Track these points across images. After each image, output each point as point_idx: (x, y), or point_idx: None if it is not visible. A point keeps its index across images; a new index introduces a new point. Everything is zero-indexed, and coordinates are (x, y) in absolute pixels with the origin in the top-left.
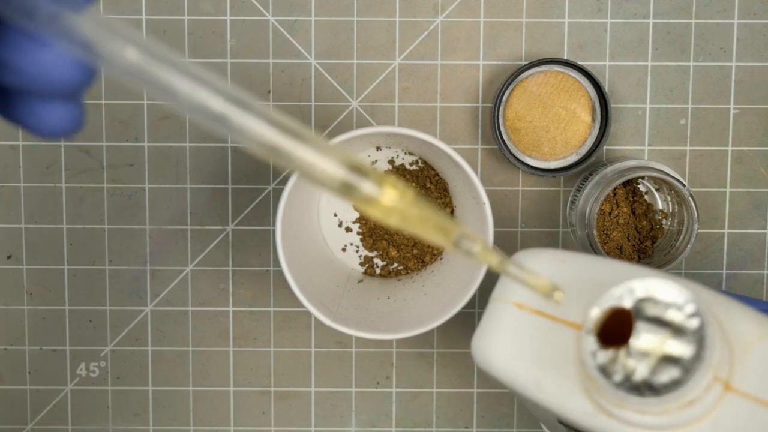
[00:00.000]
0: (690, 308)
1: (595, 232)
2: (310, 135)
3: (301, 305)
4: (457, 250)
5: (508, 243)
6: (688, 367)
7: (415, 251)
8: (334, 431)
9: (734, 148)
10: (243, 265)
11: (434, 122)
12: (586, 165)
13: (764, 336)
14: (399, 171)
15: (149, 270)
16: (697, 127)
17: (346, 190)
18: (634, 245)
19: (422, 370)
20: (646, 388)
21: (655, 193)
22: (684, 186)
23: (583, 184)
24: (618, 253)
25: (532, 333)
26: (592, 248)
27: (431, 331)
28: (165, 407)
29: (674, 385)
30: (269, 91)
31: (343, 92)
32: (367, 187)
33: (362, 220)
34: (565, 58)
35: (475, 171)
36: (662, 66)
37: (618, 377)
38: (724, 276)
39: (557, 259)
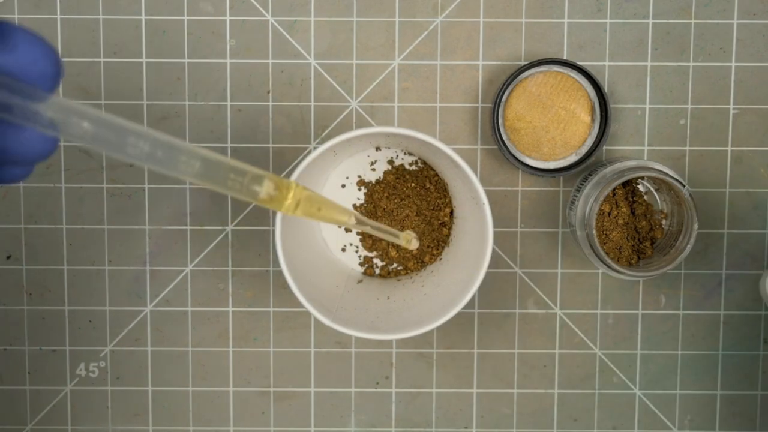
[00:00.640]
0: None
1: (594, 232)
2: (219, 158)
3: (300, 305)
4: (357, 227)
5: (507, 243)
6: None
7: (414, 251)
8: (333, 431)
9: (734, 148)
10: (243, 265)
11: (434, 122)
12: (586, 165)
13: None
14: (399, 171)
15: (149, 270)
16: (696, 127)
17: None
18: (633, 245)
19: (422, 371)
20: None
21: (655, 193)
22: (683, 186)
23: (582, 185)
24: (617, 253)
25: None
26: (591, 248)
27: (431, 332)
28: (164, 407)
29: None
30: (269, 92)
31: (343, 92)
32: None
33: None
34: (565, 58)
35: (475, 171)
36: (662, 66)
37: None
38: (723, 276)
39: None
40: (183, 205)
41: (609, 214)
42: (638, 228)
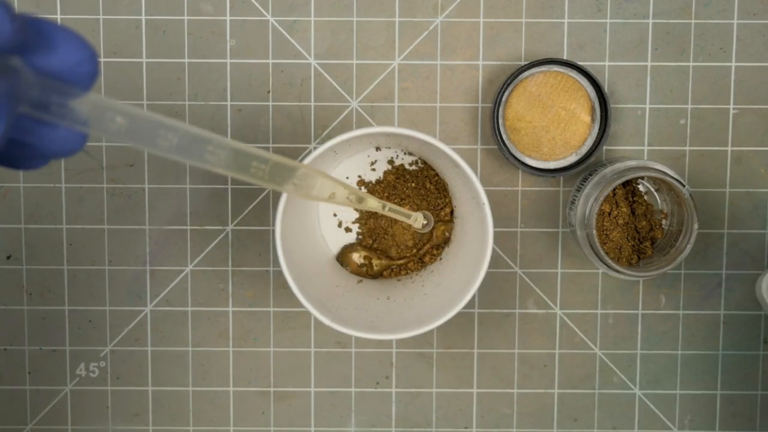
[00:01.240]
0: None
1: (594, 232)
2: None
3: (300, 305)
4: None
5: (507, 243)
6: None
7: (414, 251)
8: (333, 431)
9: (734, 148)
10: (243, 265)
11: (434, 122)
12: (586, 165)
13: None
14: (399, 171)
15: (149, 270)
16: (696, 127)
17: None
18: (633, 245)
19: (422, 370)
20: None
21: (655, 193)
22: (684, 186)
23: (582, 185)
24: (617, 253)
25: None
26: (591, 248)
27: (431, 331)
28: (165, 407)
29: None
30: (269, 92)
31: (343, 92)
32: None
33: (362, 220)
34: (565, 58)
35: (475, 171)
36: (662, 66)
37: None
38: (723, 276)
39: None
40: (183, 205)
41: (609, 214)
42: (638, 228)
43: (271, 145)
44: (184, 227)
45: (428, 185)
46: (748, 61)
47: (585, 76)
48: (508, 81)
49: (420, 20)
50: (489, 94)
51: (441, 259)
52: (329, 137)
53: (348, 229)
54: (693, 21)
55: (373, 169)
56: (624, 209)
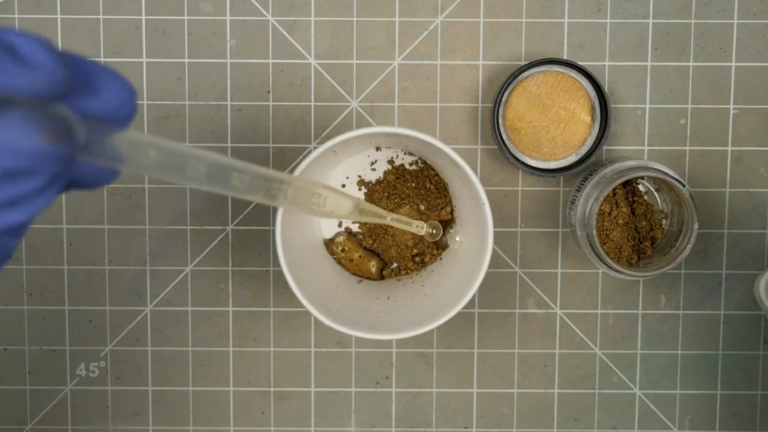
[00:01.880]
0: None
1: (594, 232)
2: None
3: (300, 305)
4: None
5: (507, 243)
6: None
7: (414, 251)
8: (333, 431)
9: (734, 148)
10: (243, 265)
11: (434, 122)
12: (586, 165)
13: None
14: (399, 171)
15: (149, 270)
16: (696, 127)
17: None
18: (633, 245)
19: (422, 370)
20: None
21: (655, 193)
22: (684, 186)
23: (582, 185)
24: (618, 253)
25: None
26: (591, 248)
27: (431, 331)
28: (165, 407)
29: None
30: (269, 92)
31: (343, 92)
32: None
33: None
34: (565, 58)
35: (475, 171)
36: (662, 66)
37: None
38: (723, 276)
39: None
40: (183, 205)
41: (609, 214)
42: (638, 228)
43: (271, 145)
44: (184, 227)
45: (428, 185)
46: (748, 61)
47: (585, 76)
48: (508, 81)
49: (420, 20)
50: (489, 94)
51: (441, 259)
52: (329, 137)
53: (348, 229)
54: (693, 21)
55: (373, 169)
56: (624, 209)
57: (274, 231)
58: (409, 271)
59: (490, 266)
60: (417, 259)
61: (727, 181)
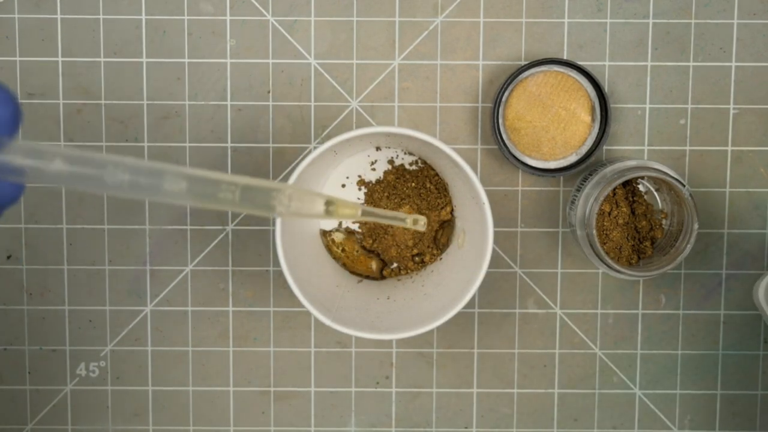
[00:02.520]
0: None
1: (594, 232)
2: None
3: (300, 305)
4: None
5: (507, 243)
6: None
7: (414, 251)
8: (333, 431)
9: (734, 148)
10: (243, 265)
11: (434, 122)
12: (586, 165)
13: None
14: (399, 171)
15: (149, 270)
16: (696, 127)
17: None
18: (633, 245)
19: (422, 370)
20: None
21: (655, 193)
22: (684, 186)
23: (582, 184)
24: (618, 253)
25: None
26: (591, 248)
27: (431, 331)
28: (165, 407)
29: None
30: (269, 92)
31: (343, 92)
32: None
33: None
34: (565, 58)
35: (475, 171)
36: (662, 66)
37: None
38: (723, 276)
39: None
40: (183, 205)
41: (609, 213)
42: (638, 228)
43: (271, 145)
44: (184, 227)
45: (428, 185)
46: (748, 61)
47: (585, 76)
48: (508, 81)
49: (420, 20)
50: (489, 94)
51: (441, 259)
52: (329, 137)
53: (348, 229)
54: (693, 21)
55: (373, 169)
56: (624, 209)
57: (274, 231)
58: (409, 271)
59: (490, 266)
60: (417, 259)
61: (727, 181)
